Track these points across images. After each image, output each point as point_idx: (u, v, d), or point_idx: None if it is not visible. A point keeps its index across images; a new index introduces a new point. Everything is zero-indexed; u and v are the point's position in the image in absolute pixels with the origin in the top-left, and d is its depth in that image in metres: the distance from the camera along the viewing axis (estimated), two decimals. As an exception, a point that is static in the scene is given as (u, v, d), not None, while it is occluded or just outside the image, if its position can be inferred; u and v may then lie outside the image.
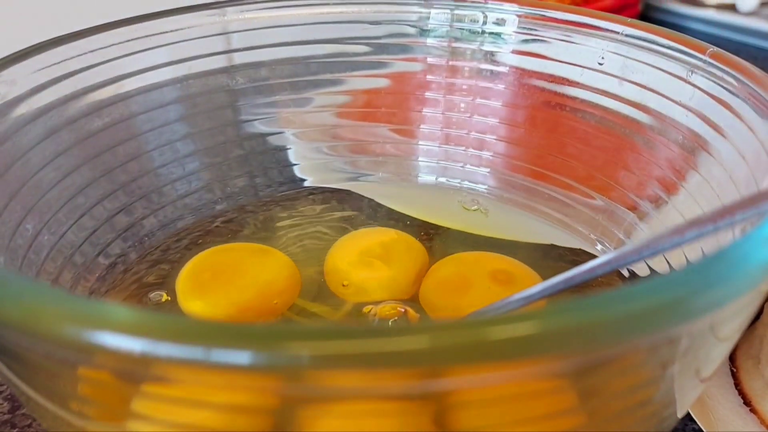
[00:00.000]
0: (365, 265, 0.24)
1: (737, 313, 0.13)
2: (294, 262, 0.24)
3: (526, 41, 0.27)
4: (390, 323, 0.22)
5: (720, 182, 0.20)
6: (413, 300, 0.23)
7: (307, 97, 0.29)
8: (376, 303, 0.23)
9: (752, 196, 0.13)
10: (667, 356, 0.12)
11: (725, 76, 0.20)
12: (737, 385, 0.22)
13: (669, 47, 0.23)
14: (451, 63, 0.28)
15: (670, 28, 0.23)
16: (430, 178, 0.30)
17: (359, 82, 0.29)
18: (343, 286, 0.23)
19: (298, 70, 0.29)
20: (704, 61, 0.21)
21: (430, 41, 0.28)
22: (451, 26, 0.28)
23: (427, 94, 0.29)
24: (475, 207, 0.28)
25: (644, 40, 0.23)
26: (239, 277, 0.23)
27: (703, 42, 0.22)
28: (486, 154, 0.29)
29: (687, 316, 0.11)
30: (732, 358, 0.23)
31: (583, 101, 0.26)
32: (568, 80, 0.26)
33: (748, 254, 0.11)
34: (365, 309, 0.23)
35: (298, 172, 0.29)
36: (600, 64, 0.25)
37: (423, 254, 0.25)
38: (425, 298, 0.23)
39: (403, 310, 0.22)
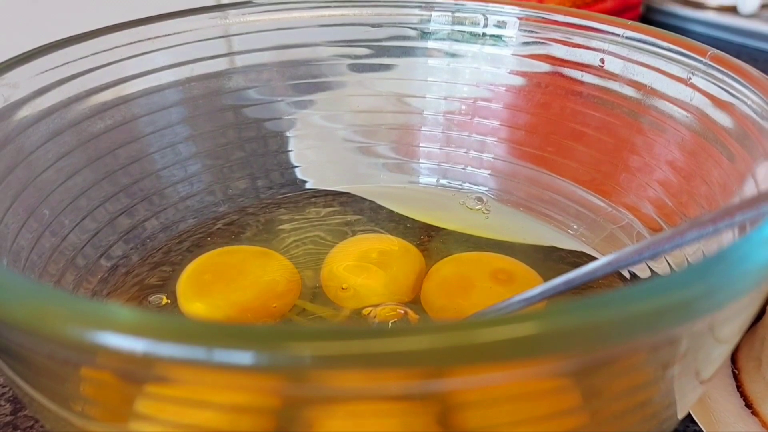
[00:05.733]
0: (363, 270, 0.24)
1: (737, 314, 0.13)
2: (295, 265, 0.24)
3: (526, 44, 0.27)
4: (390, 324, 0.22)
5: (720, 184, 0.20)
6: (414, 302, 0.23)
7: (309, 99, 0.29)
8: (376, 305, 0.23)
9: (752, 197, 0.13)
10: (667, 357, 0.12)
11: (725, 79, 0.20)
12: (739, 387, 0.22)
13: (669, 50, 0.23)
14: (452, 65, 0.29)
15: (671, 30, 0.23)
16: (431, 180, 0.30)
17: (360, 84, 0.29)
18: (342, 289, 0.23)
19: (300, 73, 0.29)
20: (704, 64, 0.21)
21: (431, 44, 0.28)
22: (452, 29, 0.28)
23: (428, 96, 0.29)
24: (478, 207, 0.28)
25: (645, 42, 0.24)
26: (240, 279, 0.23)
27: (703, 44, 0.22)
28: (487, 156, 0.29)
29: (687, 317, 0.11)
30: (734, 359, 0.23)
31: (583, 104, 0.26)
32: (568, 83, 0.26)
33: (747, 255, 0.11)
34: (365, 311, 0.23)
35: (299, 174, 0.29)
36: (600, 65, 0.25)
37: (420, 259, 0.25)
38: (426, 298, 0.23)
39: (403, 311, 0.23)
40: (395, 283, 0.23)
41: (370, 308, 0.23)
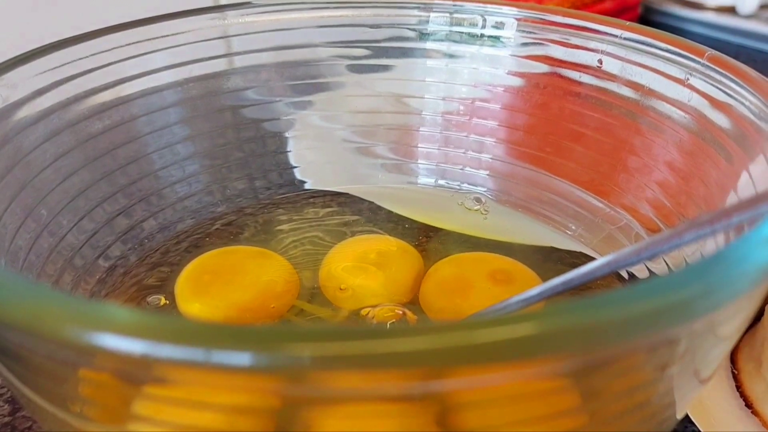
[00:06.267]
0: (361, 271, 0.24)
1: (735, 313, 0.13)
2: (293, 265, 0.24)
3: (525, 44, 0.27)
4: (388, 325, 0.22)
5: (718, 184, 0.20)
6: (412, 302, 0.23)
7: (308, 100, 0.29)
8: (375, 306, 0.23)
9: (750, 198, 0.13)
10: (665, 357, 0.12)
11: (723, 80, 0.21)
12: (739, 387, 0.22)
13: (667, 50, 0.23)
14: (450, 66, 0.29)
15: (669, 31, 0.23)
16: (429, 181, 0.30)
17: (359, 85, 0.29)
18: (341, 290, 0.23)
19: (298, 73, 0.29)
20: (702, 65, 0.21)
21: (429, 44, 0.29)
22: (450, 30, 0.28)
23: (427, 96, 0.29)
24: (476, 207, 0.28)
25: (643, 43, 0.24)
26: (238, 280, 0.23)
27: (701, 45, 0.22)
28: (485, 156, 0.29)
29: (685, 317, 0.11)
30: (734, 360, 0.23)
31: (581, 105, 0.26)
32: (566, 84, 0.26)
33: (745, 255, 0.11)
34: (363, 311, 0.23)
35: (298, 174, 0.29)
36: (598, 66, 0.25)
37: (418, 260, 0.25)
38: (425, 299, 0.23)
39: (401, 312, 0.23)
40: (394, 283, 0.23)
41: (368, 309, 0.23)
